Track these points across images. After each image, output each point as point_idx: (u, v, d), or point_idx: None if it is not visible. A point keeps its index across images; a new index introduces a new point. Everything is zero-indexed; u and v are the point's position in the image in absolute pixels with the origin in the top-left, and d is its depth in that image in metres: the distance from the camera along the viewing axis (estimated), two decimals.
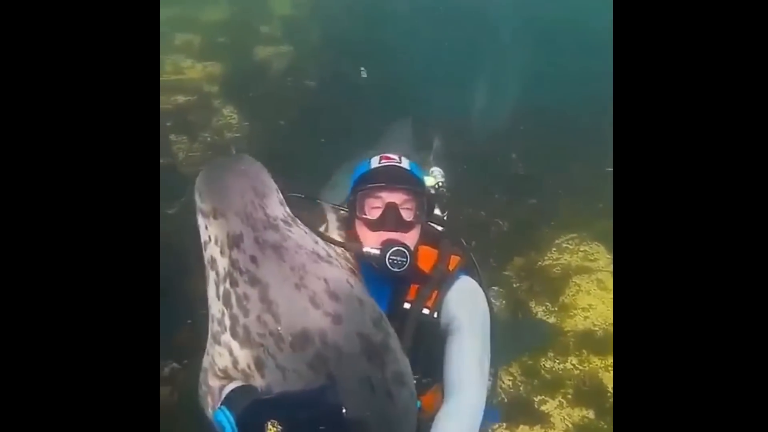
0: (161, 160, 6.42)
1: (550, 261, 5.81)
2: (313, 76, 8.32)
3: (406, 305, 1.87)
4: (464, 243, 2.09)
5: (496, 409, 2.10)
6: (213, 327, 1.59)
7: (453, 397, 1.76)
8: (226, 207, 1.54)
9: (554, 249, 5.93)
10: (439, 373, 1.86)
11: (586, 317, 5.15)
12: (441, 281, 1.89)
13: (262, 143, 6.99)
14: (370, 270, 1.80)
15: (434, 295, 1.87)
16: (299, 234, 1.61)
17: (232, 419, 1.40)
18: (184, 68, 7.71)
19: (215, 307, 1.57)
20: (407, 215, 1.88)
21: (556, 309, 5.28)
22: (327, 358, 1.47)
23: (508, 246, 5.92)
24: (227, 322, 1.53)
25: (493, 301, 5.35)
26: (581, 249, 5.90)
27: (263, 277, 1.50)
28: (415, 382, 1.81)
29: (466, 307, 1.89)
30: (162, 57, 7.72)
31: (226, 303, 1.53)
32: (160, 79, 7.44)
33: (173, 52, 7.91)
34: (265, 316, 1.48)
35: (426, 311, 1.86)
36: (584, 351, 4.87)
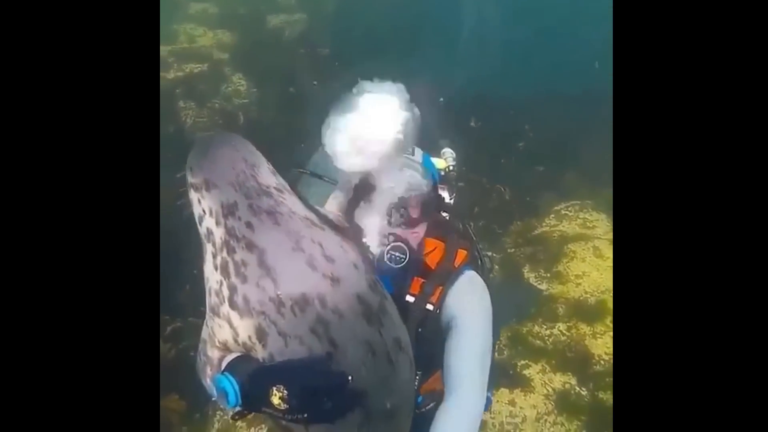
0: (170, 128, 6.57)
1: (548, 227, 5.72)
2: (326, 44, 8.29)
3: (409, 298, 1.86)
4: (471, 234, 2.07)
5: (488, 396, 2.07)
6: (211, 300, 1.57)
7: (453, 395, 1.74)
8: (218, 177, 1.54)
9: (552, 216, 5.83)
10: (440, 368, 1.85)
11: (578, 284, 5.07)
12: (446, 277, 1.87)
13: (270, 111, 7.05)
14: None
15: (438, 291, 1.85)
16: (292, 201, 1.62)
17: (236, 385, 1.40)
18: (196, 36, 7.79)
19: (213, 278, 1.55)
20: (414, 211, 1.86)
21: (549, 275, 5.21)
22: (327, 322, 1.46)
23: (508, 212, 5.86)
24: (225, 292, 1.51)
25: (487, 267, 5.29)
26: (580, 216, 5.79)
27: (260, 242, 1.49)
28: (417, 376, 1.84)
29: (469, 304, 1.86)
30: (176, 26, 7.83)
31: (224, 272, 1.51)
32: (173, 47, 7.56)
33: (187, 20, 8.00)
34: (264, 282, 1.47)
35: (430, 307, 1.84)
36: (573, 318, 4.81)
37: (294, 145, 6.01)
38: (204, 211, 1.56)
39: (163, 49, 7.46)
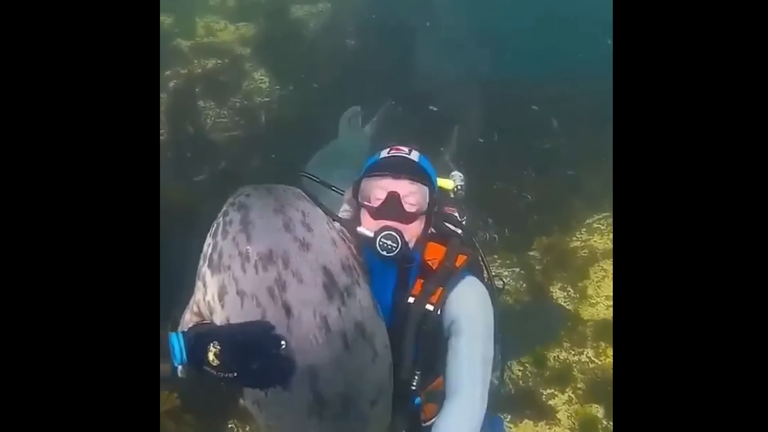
0: (190, 128, 6.45)
1: (579, 242, 5.46)
2: (353, 35, 8.02)
3: (411, 299, 1.86)
4: (476, 244, 2.09)
5: (499, 418, 2.17)
6: (199, 266, 1.67)
7: (453, 400, 1.76)
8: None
9: (584, 229, 5.57)
10: (440, 370, 1.86)
11: (609, 306, 4.84)
12: (446, 278, 1.87)
13: (293, 108, 6.87)
14: (375, 259, 1.82)
15: (439, 292, 1.86)
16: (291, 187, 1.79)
17: (182, 342, 1.50)
18: (216, 30, 7.59)
19: (205, 243, 1.67)
20: (410, 207, 1.88)
21: (578, 295, 4.99)
22: (286, 284, 1.51)
23: (535, 223, 5.62)
24: (209, 251, 1.62)
25: (512, 283, 5.08)
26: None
27: (249, 203, 1.64)
28: (417, 375, 1.86)
29: (469, 308, 1.87)
30: (195, 19, 7.64)
31: (215, 234, 1.63)
32: (193, 42, 7.39)
33: (207, 13, 7.79)
34: (239, 237, 1.56)
35: (430, 307, 1.84)
36: (602, 343, 4.60)
37: (317, 145, 5.84)
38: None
39: (183, 44, 7.29)
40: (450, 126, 6.12)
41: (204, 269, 1.62)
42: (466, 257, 1.94)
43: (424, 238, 1.94)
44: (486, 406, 1.75)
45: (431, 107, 4.81)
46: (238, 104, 6.78)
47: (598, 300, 4.90)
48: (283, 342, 1.46)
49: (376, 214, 1.89)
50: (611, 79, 1.41)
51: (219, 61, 7.13)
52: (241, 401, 1.67)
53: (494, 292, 2.02)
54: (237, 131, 6.54)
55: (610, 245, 5.32)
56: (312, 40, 7.78)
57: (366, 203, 1.92)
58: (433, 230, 2.01)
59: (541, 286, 5.09)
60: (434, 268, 1.90)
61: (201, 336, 1.50)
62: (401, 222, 1.86)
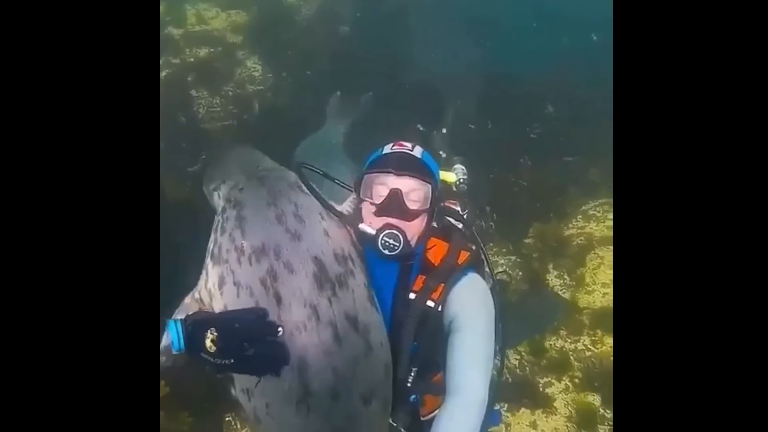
0: (182, 118, 6.38)
1: (575, 229, 5.43)
2: (346, 21, 7.92)
3: (412, 295, 1.86)
4: (478, 239, 2.07)
5: (497, 410, 2.12)
6: (204, 260, 1.74)
7: (454, 396, 1.75)
8: (229, 172, 1.89)
9: (580, 216, 5.54)
10: (440, 366, 1.86)
11: (605, 294, 4.82)
12: (448, 275, 1.86)
13: (286, 96, 6.79)
14: (376, 256, 1.84)
15: (440, 288, 1.85)
16: (286, 173, 1.86)
17: (180, 328, 1.52)
18: (208, 18, 7.48)
19: (210, 240, 1.74)
20: (412, 204, 1.87)
21: (574, 283, 4.97)
22: (277, 275, 1.56)
23: (530, 211, 5.57)
24: (211, 246, 1.71)
25: (508, 271, 5.04)
26: (610, 217, 5.46)
27: (243, 199, 1.72)
28: (414, 372, 1.84)
29: (471, 305, 1.87)
30: (187, 7, 7.53)
31: (215, 230, 1.72)
32: (183, 30, 7.29)
33: (198, 0, 7.68)
34: (235, 232, 1.64)
35: (431, 303, 1.83)
36: (599, 331, 4.59)
37: (311, 133, 5.77)
38: (220, 196, 1.85)
39: (175, 32, 7.19)
40: (445, 112, 6.08)
41: (207, 261, 1.70)
42: (468, 254, 1.92)
43: (426, 234, 1.93)
44: (486, 404, 1.74)
45: (418, 126, 4.76)
46: (231, 93, 6.70)
47: (595, 287, 4.88)
48: (280, 329, 1.51)
49: (378, 211, 1.87)
50: (611, 65, 1.39)
51: (211, 50, 7.03)
52: (232, 390, 1.68)
53: (496, 288, 2.01)
54: (230, 120, 6.47)
55: (607, 232, 5.30)
56: (305, 27, 7.68)
57: (368, 199, 1.90)
58: (434, 224, 1.99)
59: (537, 273, 5.06)
60: (436, 264, 1.89)
61: (198, 323, 1.52)
62: (403, 219, 1.85)
